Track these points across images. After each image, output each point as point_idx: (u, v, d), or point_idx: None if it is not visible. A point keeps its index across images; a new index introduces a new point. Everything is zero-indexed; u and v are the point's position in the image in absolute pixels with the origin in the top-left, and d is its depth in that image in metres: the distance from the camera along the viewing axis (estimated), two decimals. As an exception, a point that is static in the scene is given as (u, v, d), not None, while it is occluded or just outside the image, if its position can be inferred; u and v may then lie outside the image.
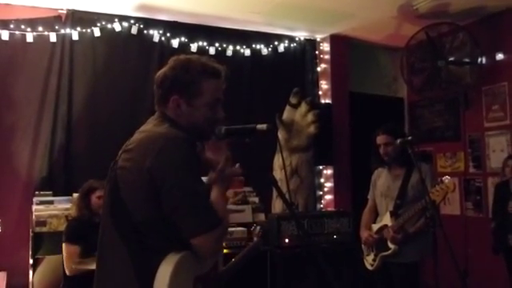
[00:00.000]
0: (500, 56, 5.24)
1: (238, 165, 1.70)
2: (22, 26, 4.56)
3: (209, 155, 1.71)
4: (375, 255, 3.52)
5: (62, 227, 4.02)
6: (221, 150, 1.69)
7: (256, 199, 5.03)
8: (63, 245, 3.50)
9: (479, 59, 5.21)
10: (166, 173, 1.48)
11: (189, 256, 1.50)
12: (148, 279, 1.46)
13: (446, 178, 3.18)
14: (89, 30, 4.83)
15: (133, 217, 1.51)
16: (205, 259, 1.59)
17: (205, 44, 5.34)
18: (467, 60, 5.31)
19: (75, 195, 4.27)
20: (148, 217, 1.51)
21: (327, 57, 5.97)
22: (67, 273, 3.45)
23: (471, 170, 5.55)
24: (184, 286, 1.51)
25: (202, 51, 5.18)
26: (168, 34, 5.18)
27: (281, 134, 4.98)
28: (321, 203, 5.78)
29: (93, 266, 3.18)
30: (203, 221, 1.50)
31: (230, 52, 5.45)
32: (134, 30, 5.01)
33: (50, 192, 4.44)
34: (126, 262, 1.51)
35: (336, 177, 5.79)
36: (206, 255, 1.56)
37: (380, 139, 3.52)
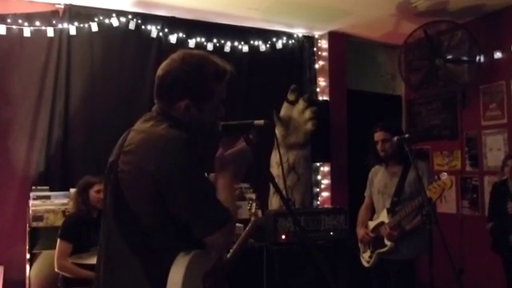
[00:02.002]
0: (498, 55, 5.24)
1: (241, 139, 1.66)
2: (20, 21, 4.54)
3: (224, 154, 1.67)
4: (371, 252, 3.53)
5: (59, 222, 4.03)
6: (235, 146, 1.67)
7: (253, 195, 5.03)
8: (57, 240, 3.52)
9: (477, 57, 5.21)
10: (170, 177, 1.46)
11: (198, 255, 1.50)
12: (159, 281, 1.45)
13: (443, 175, 3.19)
14: (86, 25, 4.81)
15: (139, 220, 1.49)
16: (217, 254, 1.59)
17: (203, 40, 5.33)
18: (465, 58, 5.32)
19: (72, 190, 4.27)
20: (155, 220, 1.49)
21: (325, 54, 5.97)
22: (55, 268, 3.48)
23: (468, 168, 5.56)
24: (195, 286, 1.51)
25: (199, 47, 5.17)
26: (166, 30, 5.17)
27: (278, 131, 4.98)
28: (317, 200, 5.79)
29: (89, 261, 3.21)
30: (214, 219, 1.50)
31: (227, 48, 5.44)
32: (132, 26, 5.00)
33: (47, 187, 4.44)
34: (135, 266, 1.49)
35: (333, 174, 5.80)
36: (219, 250, 1.58)
37: (377, 136, 3.53)
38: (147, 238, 1.49)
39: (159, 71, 1.63)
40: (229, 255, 2.46)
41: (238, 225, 4.42)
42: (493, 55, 5.26)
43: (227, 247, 1.76)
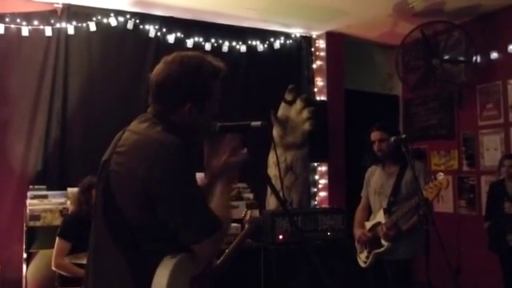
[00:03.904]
0: (494, 55, 5.26)
1: (245, 150, 1.65)
2: (18, 20, 4.54)
3: (213, 155, 1.66)
4: (368, 252, 3.54)
5: (56, 221, 4.04)
6: (227, 146, 1.65)
7: (250, 195, 5.04)
8: (56, 238, 3.52)
9: (474, 58, 5.23)
10: (160, 182, 1.45)
11: (185, 258, 1.49)
12: (145, 283, 1.44)
13: (440, 175, 3.20)
14: (84, 25, 4.81)
15: (128, 222, 1.48)
16: (205, 260, 1.58)
17: (201, 40, 5.33)
18: (462, 58, 5.33)
19: (70, 190, 4.28)
20: (144, 222, 1.48)
21: (323, 54, 5.98)
22: (52, 266, 3.49)
23: (465, 168, 5.58)
24: None
25: (197, 47, 5.17)
26: (164, 30, 5.17)
27: (276, 131, 4.99)
28: (315, 200, 5.80)
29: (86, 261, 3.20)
30: (202, 228, 1.49)
31: (225, 48, 5.44)
32: (130, 25, 5.00)
33: (44, 186, 4.43)
34: (121, 266, 1.48)
35: (330, 174, 5.81)
36: (206, 258, 1.56)
37: (374, 135, 3.53)
38: (136, 239, 1.48)
39: (156, 76, 1.60)
40: (219, 260, 2.46)
41: (234, 225, 4.43)
42: (489, 55, 5.28)
43: (216, 255, 1.74)
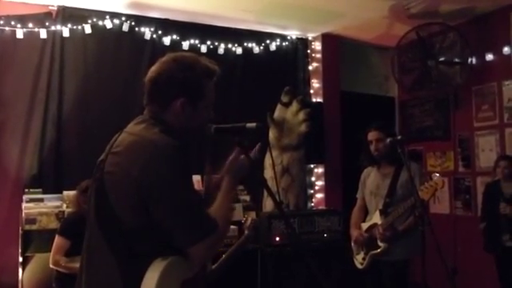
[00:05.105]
0: (489, 56, 5.28)
1: (256, 148, 1.69)
2: (12, 23, 4.53)
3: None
4: (365, 254, 3.54)
5: (52, 225, 4.03)
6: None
7: (247, 197, 5.03)
8: (56, 236, 3.52)
9: (469, 59, 5.25)
10: (155, 184, 1.45)
11: (176, 261, 1.47)
12: (134, 284, 1.43)
13: (435, 175, 3.21)
14: (79, 27, 4.80)
15: (121, 223, 1.47)
16: (198, 265, 1.57)
17: (197, 42, 5.33)
18: (457, 60, 5.35)
19: (66, 193, 4.28)
20: (136, 224, 1.47)
21: (319, 56, 5.99)
22: (50, 263, 3.49)
23: (460, 169, 5.60)
24: None
25: (193, 49, 5.17)
26: (159, 32, 5.17)
27: (272, 133, 4.99)
28: (312, 202, 5.80)
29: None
30: (195, 231, 1.48)
31: (221, 50, 5.44)
32: (126, 28, 4.99)
33: (40, 190, 4.41)
34: (112, 267, 1.47)
35: (327, 175, 5.81)
36: (200, 262, 1.55)
37: (371, 135, 3.54)
38: (128, 241, 1.47)
39: (151, 74, 1.63)
40: (215, 265, 2.44)
41: (231, 227, 4.42)
42: (484, 57, 5.30)
43: (211, 258, 1.73)
